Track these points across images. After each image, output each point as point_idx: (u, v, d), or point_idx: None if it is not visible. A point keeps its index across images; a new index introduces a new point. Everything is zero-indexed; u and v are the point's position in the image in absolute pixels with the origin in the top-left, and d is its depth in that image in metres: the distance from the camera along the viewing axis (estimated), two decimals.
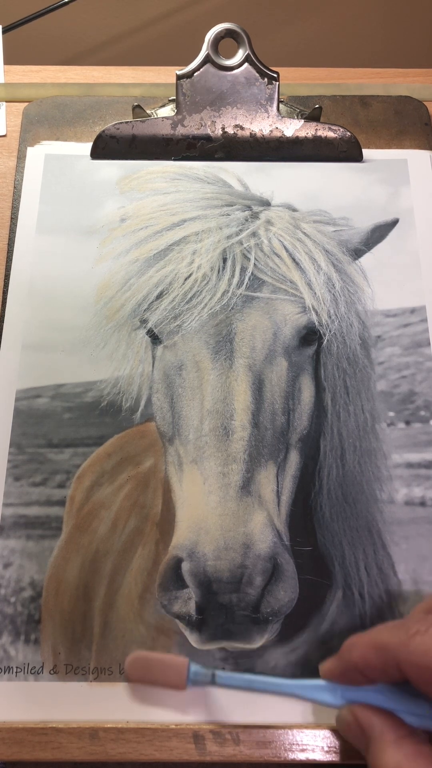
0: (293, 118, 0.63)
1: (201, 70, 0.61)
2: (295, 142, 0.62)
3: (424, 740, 0.37)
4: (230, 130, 0.62)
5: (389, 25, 1.13)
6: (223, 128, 0.62)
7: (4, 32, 0.73)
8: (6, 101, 0.67)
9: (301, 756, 0.43)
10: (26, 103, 0.66)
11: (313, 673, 0.44)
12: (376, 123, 0.66)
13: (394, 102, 0.67)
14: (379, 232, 0.58)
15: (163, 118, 0.62)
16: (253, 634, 0.45)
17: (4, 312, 0.56)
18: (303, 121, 0.62)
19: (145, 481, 0.50)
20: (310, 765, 0.43)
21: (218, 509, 0.45)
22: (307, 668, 0.45)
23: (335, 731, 0.43)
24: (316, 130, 0.62)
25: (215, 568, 0.44)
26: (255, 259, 0.53)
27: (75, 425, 0.52)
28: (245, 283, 0.53)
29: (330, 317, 0.53)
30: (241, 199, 0.58)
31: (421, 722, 0.38)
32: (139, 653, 0.43)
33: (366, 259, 0.57)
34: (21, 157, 0.63)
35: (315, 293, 0.53)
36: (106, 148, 0.62)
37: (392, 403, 0.53)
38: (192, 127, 0.62)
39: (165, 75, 0.69)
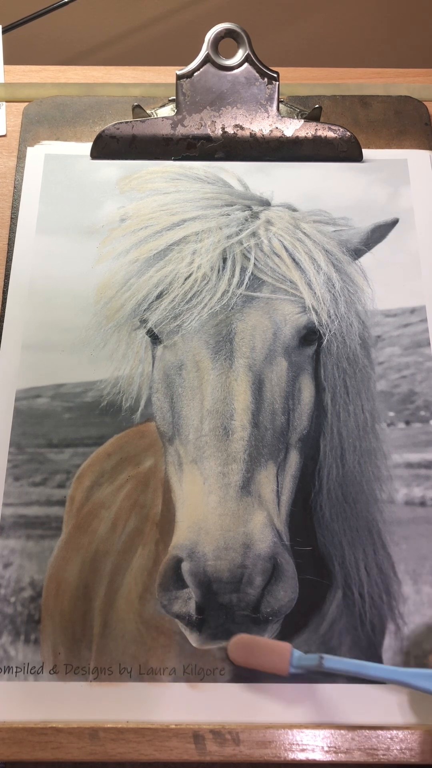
0: (293, 118, 0.63)
1: (201, 70, 0.61)
2: (295, 142, 0.62)
3: None
4: (230, 130, 0.62)
5: (389, 25, 1.13)
6: (223, 128, 0.62)
7: (4, 32, 0.73)
8: (6, 101, 0.67)
9: (301, 756, 0.43)
10: (26, 103, 0.66)
11: (313, 674, 0.44)
12: (376, 123, 0.66)
13: (394, 102, 0.67)
14: (379, 232, 0.58)
15: (163, 118, 0.62)
16: (252, 634, 0.45)
17: (4, 312, 0.56)
18: (303, 121, 0.62)
19: (145, 481, 0.50)
20: (310, 765, 0.43)
21: (218, 509, 0.45)
22: None
23: (335, 731, 0.43)
24: (316, 130, 0.62)
25: (215, 568, 0.44)
26: (255, 259, 0.53)
27: (75, 425, 0.52)
28: (245, 283, 0.53)
29: (330, 317, 0.53)
30: (241, 199, 0.58)
31: None
32: (243, 636, 0.44)
33: (366, 259, 0.57)
34: (21, 157, 0.63)
35: (315, 293, 0.53)
36: (106, 148, 0.62)
37: (392, 403, 0.53)
38: (192, 127, 0.62)
39: (165, 75, 0.69)
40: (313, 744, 0.43)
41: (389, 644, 0.46)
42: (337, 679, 0.45)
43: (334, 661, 0.42)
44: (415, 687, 0.41)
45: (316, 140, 0.62)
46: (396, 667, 0.42)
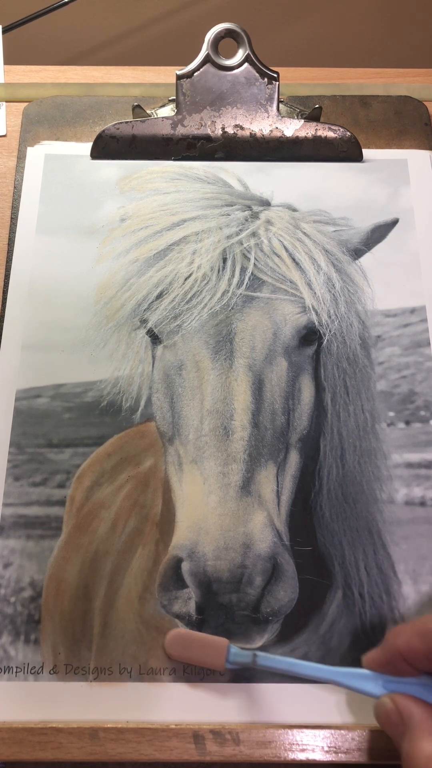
0: (293, 118, 0.63)
1: (201, 70, 0.61)
2: (295, 142, 0.62)
3: None
4: (230, 130, 0.62)
5: (389, 25, 1.13)
6: (223, 128, 0.62)
7: (4, 32, 0.73)
8: (6, 101, 0.67)
9: (301, 756, 0.43)
10: (26, 103, 0.66)
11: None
12: (376, 123, 0.66)
13: (394, 102, 0.67)
14: (379, 232, 0.58)
15: (163, 118, 0.62)
16: (252, 634, 0.45)
17: (4, 312, 0.56)
18: (303, 121, 0.62)
19: (145, 481, 0.50)
20: (310, 765, 0.43)
21: (218, 509, 0.45)
22: None
23: (335, 731, 0.43)
24: (316, 130, 0.62)
25: (215, 568, 0.44)
26: (255, 259, 0.53)
27: (75, 425, 0.52)
28: (245, 283, 0.53)
29: (330, 317, 0.53)
30: (241, 199, 0.58)
31: None
32: (180, 630, 0.44)
33: (366, 259, 0.57)
34: (21, 157, 0.63)
35: (315, 293, 0.53)
36: (106, 148, 0.62)
37: (392, 403, 0.53)
38: (192, 127, 0.62)
39: (165, 75, 0.69)
40: (313, 744, 0.43)
41: None
42: None
43: (267, 659, 0.42)
44: (346, 686, 0.41)
45: (316, 140, 0.62)
46: (327, 666, 0.42)
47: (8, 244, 0.59)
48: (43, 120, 0.65)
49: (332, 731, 0.43)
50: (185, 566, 0.44)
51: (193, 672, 0.45)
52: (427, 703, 0.39)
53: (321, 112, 0.64)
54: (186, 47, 0.67)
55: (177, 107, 0.62)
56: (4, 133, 0.66)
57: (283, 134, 0.62)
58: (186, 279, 0.53)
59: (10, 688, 0.45)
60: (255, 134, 0.62)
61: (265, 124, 0.62)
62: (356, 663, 0.45)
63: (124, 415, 0.52)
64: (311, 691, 0.45)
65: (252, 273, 0.53)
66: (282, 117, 0.62)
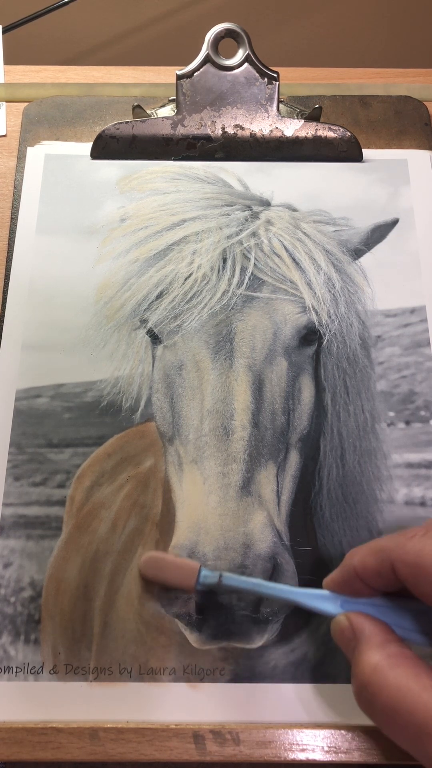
0: (293, 118, 0.63)
1: (201, 70, 0.61)
2: (295, 142, 0.62)
3: (407, 646, 0.39)
4: (230, 130, 0.62)
5: (389, 25, 1.13)
6: (223, 128, 0.62)
7: (4, 32, 0.73)
8: (6, 101, 0.67)
9: (301, 756, 0.43)
10: (26, 103, 0.66)
11: (313, 674, 0.44)
12: (376, 123, 0.66)
13: (394, 102, 0.67)
14: (379, 232, 0.58)
15: (163, 118, 0.62)
16: (252, 634, 0.45)
17: (4, 312, 0.56)
18: (303, 121, 0.62)
19: (145, 481, 0.50)
20: (310, 765, 0.43)
21: (218, 509, 0.45)
22: (307, 668, 0.45)
23: (335, 731, 0.43)
24: (316, 130, 0.62)
25: (215, 568, 0.44)
26: (255, 259, 0.53)
27: (75, 425, 0.52)
28: (245, 283, 0.53)
29: (330, 317, 0.53)
30: (241, 199, 0.58)
31: (411, 636, 0.40)
32: (154, 553, 0.46)
33: (366, 259, 0.57)
34: (21, 157, 0.63)
35: (315, 293, 0.53)
36: (106, 148, 0.62)
37: (392, 403, 0.53)
38: (192, 127, 0.62)
39: (165, 75, 0.69)
40: (313, 744, 0.43)
41: None
42: (337, 678, 0.45)
43: (231, 579, 0.43)
44: (305, 605, 0.42)
45: (316, 140, 0.62)
46: (290, 587, 0.43)
47: (8, 244, 0.59)
48: (43, 120, 0.65)
49: (332, 731, 0.43)
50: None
51: (193, 672, 0.45)
52: (380, 621, 0.40)
53: (321, 112, 0.64)
54: (186, 47, 0.67)
55: (177, 107, 0.62)
56: (4, 133, 0.66)
57: (283, 134, 0.62)
58: (186, 279, 0.53)
59: (10, 688, 0.45)
60: (255, 134, 0.62)
61: (265, 124, 0.62)
62: None
63: (124, 415, 0.52)
64: (311, 691, 0.45)
65: (252, 273, 0.53)
66: (282, 117, 0.62)
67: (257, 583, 0.43)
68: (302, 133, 0.62)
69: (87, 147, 0.63)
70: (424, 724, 0.35)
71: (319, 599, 0.42)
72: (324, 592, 0.42)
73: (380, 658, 0.37)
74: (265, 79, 0.61)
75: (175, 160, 0.62)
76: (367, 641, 0.38)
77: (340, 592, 0.42)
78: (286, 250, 0.54)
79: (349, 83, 0.69)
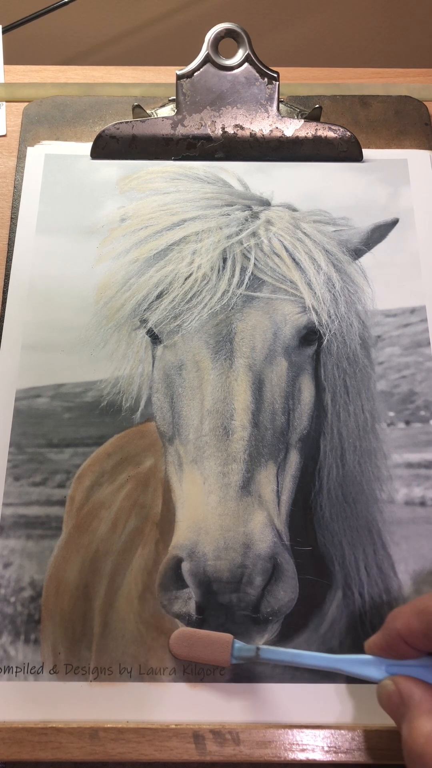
0: (293, 118, 0.63)
1: (201, 70, 0.61)
2: (295, 142, 0.62)
3: None
4: (230, 130, 0.62)
5: (389, 25, 1.13)
6: (223, 128, 0.62)
7: (4, 32, 0.73)
8: (6, 101, 0.67)
9: (301, 756, 0.43)
10: (26, 103, 0.66)
11: (313, 674, 0.44)
12: (376, 123, 0.66)
13: (394, 102, 0.67)
14: (379, 232, 0.58)
15: (163, 118, 0.62)
16: (253, 634, 0.45)
17: (4, 312, 0.56)
18: (303, 121, 0.62)
19: (145, 481, 0.50)
20: (310, 765, 0.43)
21: (218, 509, 0.45)
22: (307, 668, 0.45)
23: (335, 731, 0.43)
24: (316, 130, 0.62)
25: (215, 568, 0.44)
26: (255, 258, 0.53)
27: (75, 425, 0.52)
28: (245, 283, 0.53)
29: (330, 317, 0.53)
30: (241, 199, 0.58)
31: None
32: (184, 630, 0.44)
33: (366, 259, 0.57)
34: (21, 157, 0.63)
35: (315, 293, 0.53)
36: (106, 148, 0.62)
37: (392, 403, 0.53)
38: (192, 127, 0.62)
39: (165, 75, 0.69)
40: (313, 744, 0.43)
41: None
42: (337, 678, 0.45)
43: (269, 652, 0.42)
44: (349, 672, 0.41)
45: (316, 140, 0.62)
46: (330, 655, 0.42)
47: (8, 244, 0.59)
48: (43, 120, 0.65)
49: (332, 731, 0.43)
50: (185, 566, 0.44)
51: (193, 672, 0.45)
52: (429, 684, 0.39)
53: (321, 112, 0.64)
54: (186, 47, 0.67)
55: (177, 107, 0.62)
56: (4, 133, 0.66)
57: (283, 134, 0.62)
58: (186, 279, 0.53)
59: (10, 688, 0.45)
60: (255, 134, 0.62)
61: (265, 124, 0.62)
62: None
63: (124, 415, 0.52)
64: (311, 691, 0.45)
65: (252, 273, 0.53)
66: (282, 117, 0.62)
67: (297, 654, 0.42)
68: (302, 133, 0.62)
69: (87, 147, 0.63)
70: None
71: (363, 665, 0.41)
72: (367, 657, 0.41)
73: None
74: (265, 79, 0.61)
75: (175, 160, 0.62)
76: (418, 707, 0.37)
77: (384, 656, 0.41)
78: (286, 250, 0.54)
79: (349, 83, 0.69)
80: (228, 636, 0.43)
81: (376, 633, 0.41)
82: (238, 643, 0.42)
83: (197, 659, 0.43)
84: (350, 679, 0.44)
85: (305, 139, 0.62)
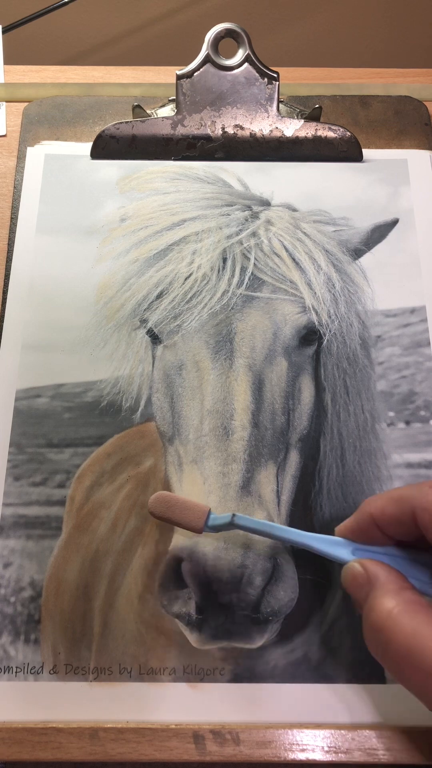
0: (293, 118, 0.63)
1: (201, 70, 0.61)
2: (295, 142, 0.62)
3: (422, 595, 0.39)
4: (230, 130, 0.62)
5: (389, 25, 1.13)
6: (223, 128, 0.62)
7: (4, 32, 0.73)
8: (6, 101, 0.67)
9: (301, 756, 0.43)
10: (26, 103, 0.66)
11: (313, 674, 0.44)
12: (376, 123, 0.66)
13: (394, 102, 0.67)
14: (379, 232, 0.58)
15: (163, 118, 0.62)
16: (253, 634, 0.45)
17: (4, 312, 0.56)
18: (303, 121, 0.62)
19: (145, 481, 0.50)
20: (310, 765, 0.43)
21: (218, 509, 0.45)
22: (307, 668, 0.45)
23: (335, 731, 0.43)
24: (316, 130, 0.62)
25: (215, 568, 0.44)
26: (255, 258, 0.53)
27: (75, 425, 0.52)
28: (245, 283, 0.53)
29: (330, 317, 0.53)
30: (241, 199, 0.58)
31: (423, 588, 0.40)
32: (164, 493, 0.45)
33: (366, 259, 0.57)
34: (21, 157, 0.63)
35: (315, 293, 0.53)
36: (106, 148, 0.62)
37: (392, 403, 0.53)
38: (192, 127, 0.62)
39: (165, 75, 0.69)
40: (313, 744, 0.43)
41: None
42: (337, 679, 0.45)
43: (244, 519, 0.43)
44: (318, 550, 0.42)
45: (316, 140, 0.62)
46: (302, 531, 0.43)
47: (8, 244, 0.59)
48: (43, 120, 0.65)
49: (332, 731, 0.43)
50: (185, 566, 0.44)
51: (193, 672, 0.45)
52: (394, 569, 0.40)
53: (321, 112, 0.64)
54: (186, 47, 0.67)
55: (177, 107, 0.62)
56: (4, 133, 0.66)
57: (283, 134, 0.62)
58: (186, 279, 0.53)
59: (10, 688, 0.45)
60: (255, 134, 0.62)
61: (265, 124, 0.62)
62: (357, 665, 0.45)
63: (124, 415, 0.52)
64: (311, 691, 0.45)
65: (252, 273, 0.53)
66: (282, 117, 0.62)
67: (270, 525, 0.43)
68: (302, 133, 0.62)
69: (87, 147, 0.63)
70: None
71: (332, 545, 0.42)
72: (337, 538, 0.42)
73: (396, 604, 0.37)
74: (265, 79, 0.61)
75: (175, 160, 0.62)
76: (382, 587, 0.39)
77: (354, 539, 0.42)
78: (286, 250, 0.54)
79: (348, 83, 0.69)
80: (205, 506, 0.43)
81: (349, 517, 0.42)
82: (214, 514, 0.43)
83: (172, 521, 0.44)
84: (350, 679, 0.44)
85: (305, 139, 0.62)
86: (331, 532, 0.43)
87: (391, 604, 0.37)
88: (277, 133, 0.62)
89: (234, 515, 0.43)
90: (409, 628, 0.36)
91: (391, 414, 0.53)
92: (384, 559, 0.41)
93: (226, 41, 0.61)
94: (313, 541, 0.42)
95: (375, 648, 0.38)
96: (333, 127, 0.62)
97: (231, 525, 0.43)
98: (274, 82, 0.61)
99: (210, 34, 0.61)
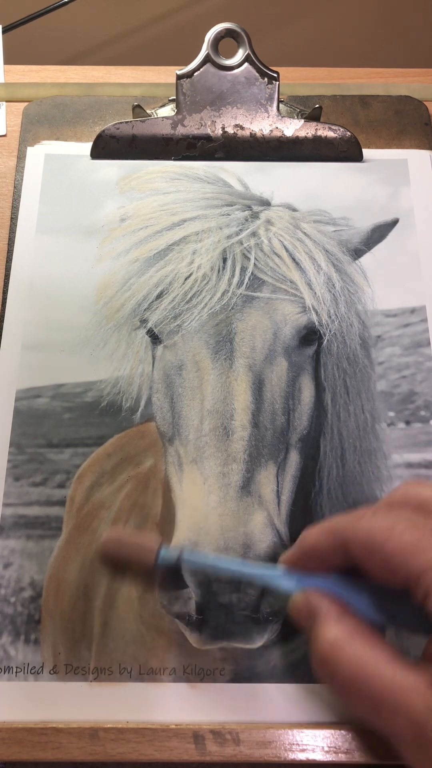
0: (293, 117, 0.63)
1: (201, 69, 0.61)
2: (295, 142, 0.62)
3: (362, 621, 0.39)
4: (230, 130, 0.62)
5: (389, 25, 1.13)
6: (223, 128, 0.62)
7: (4, 32, 0.73)
8: (6, 101, 0.67)
9: (301, 756, 0.43)
10: (26, 103, 0.66)
11: (313, 674, 0.44)
12: (376, 123, 0.66)
13: (394, 102, 0.67)
14: (379, 232, 0.58)
15: (163, 117, 0.62)
16: (253, 634, 0.45)
17: (4, 312, 0.56)
18: (303, 121, 0.62)
19: (145, 481, 0.50)
20: (310, 765, 0.43)
21: (218, 509, 0.45)
22: (307, 668, 0.45)
23: (335, 731, 0.43)
24: (316, 130, 0.62)
25: (215, 568, 0.44)
26: (255, 258, 0.53)
27: (75, 425, 0.52)
28: (245, 283, 0.53)
29: (330, 317, 0.53)
30: (241, 198, 0.58)
31: (368, 613, 0.40)
32: (115, 531, 0.46)
33: (366, 259, 0.57)
34: (21, 157, 0.63)
35: (315, 293, 0.53)
36: (106, 147, 0.62)
37: (392, 403, 0.53)
38: (192, 126, 0.62)
39: (165, 75, 0.69)
40: (313, 744, 0.43)
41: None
42: None
43: (192, 554, 0.43)
44: (264, 583, 0.43)
45: (316, 140, 0.62)
46: (249, 565, 0.43)
47: (8, 244, 0.59)
48: (43, 120, 0.65)
49: (332, 731, 0.43)
50: (185, 566, 0.44)
51: (193, 672, 0.45)
52: (335, 597, 0.40)
53: (321, 112, 0.64)
54: (186, 47, 0.67)
55: (177, 107, 0.62)
56: (4, 133, 0.66)
57: (283, 134, 0.62)
58: (186, 279, 0.53)
59: (10, 688, 0.45)
60: (255, 134, 0.62)
61: (265, 123, 0.62)
62: None
63: (124, 415, 0.52)
64: (311, 691, 0.45)
65: (252, 273, 0.53)
66: (282, 117, 0.62)
67: (217, 559, 0.43)
68: (302, 133, 0.62)
69: (87, 147, 0.63)
70: (380, 693, 0.36)
71: (277, 577, 0.42)
72: (282, 570, 0.42)
73: (337, 632, 0.38)
74: (265, 79, 0.61)
75: (175, 160, 0.62)
76: (324, 617, 0.39)
77: (296, 569, 0.42)
78: (286, 250, 0.54)
79: (349, 83, 0.69)
80: (156, 539, 0.44)
81: (291, 548, 0.43)
82: (165, 548, 0.43)
83: (125, 560, 0.45)
84: None
85: (305, 139, 0.62)
86: None
87: (333, 633, 0.38)
88: (277, 133, 0.62)
89: (182, 551, 0.43)
90: (351, 655, 0.37)
91: (391, 414, 0.53)
92: (329, 586, 0.41)
93: (226, 41, 0.61)
94: (258, 575, 0.43)
95: (324, 678, 0.38)
96: (333, 127, 0.62)
97: (179, 560, 0.43)
98: (274, 81, 0.61)
99: (210, 34, 0.61)
